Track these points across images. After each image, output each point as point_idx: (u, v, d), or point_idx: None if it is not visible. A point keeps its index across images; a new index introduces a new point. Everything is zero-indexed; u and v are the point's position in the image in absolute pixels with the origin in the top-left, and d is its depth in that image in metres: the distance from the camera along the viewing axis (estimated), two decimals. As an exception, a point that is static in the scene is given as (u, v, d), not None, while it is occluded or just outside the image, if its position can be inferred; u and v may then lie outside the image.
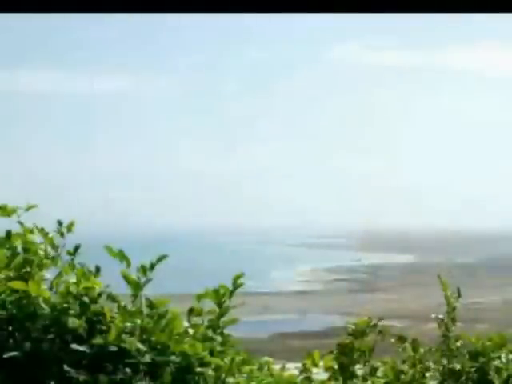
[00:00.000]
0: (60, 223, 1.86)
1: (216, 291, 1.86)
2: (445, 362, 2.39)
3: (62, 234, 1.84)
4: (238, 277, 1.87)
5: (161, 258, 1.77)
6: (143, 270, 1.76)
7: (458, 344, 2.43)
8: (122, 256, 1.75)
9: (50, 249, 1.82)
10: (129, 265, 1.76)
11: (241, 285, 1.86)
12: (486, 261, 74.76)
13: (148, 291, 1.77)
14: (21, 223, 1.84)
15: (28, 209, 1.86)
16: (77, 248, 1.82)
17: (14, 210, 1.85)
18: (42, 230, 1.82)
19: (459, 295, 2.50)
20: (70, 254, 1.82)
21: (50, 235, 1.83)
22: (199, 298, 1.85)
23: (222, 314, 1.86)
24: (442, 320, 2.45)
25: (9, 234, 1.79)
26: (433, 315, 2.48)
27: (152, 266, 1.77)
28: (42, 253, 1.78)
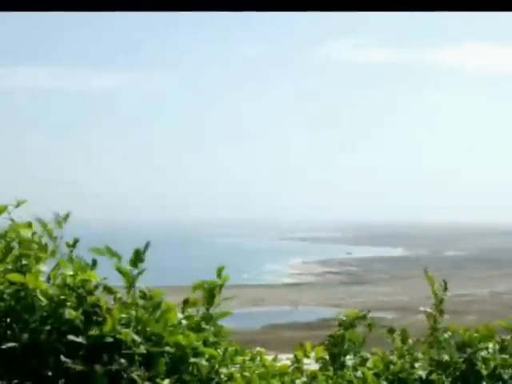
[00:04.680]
0: (56, 214, 1.86)
1: (206, 283, 1.88)
2: (433, 353, 2.44)
3: (59, 224, 1.85)
4: (220, 269, 1.89)
5: (146, 247, 1.79)
6: (133, 262, 1.78)
7: (446, 336, 2.47)
8: (110, 252, 1.77)
9: (48, 240, 1.82)
10: (119, 259, 1.77)
11: (227, 277, 1.89)
12: (473, 254, 75.52)
13: (149, 283, 1.79)
14: (12, 220, 1.84)
15: (18, 205, 1.86)
16: (76, 241, 1.83)
17: (3, 208, 1.84)
18: (41, 222, 1.83)
19: (445, 288, 2.54)
20: (69, 246, 1.83)
21: (49, 226, 1.83)
22: (194, 288, 1.88)
23: (210, 305, 1.88)
24: (430, 313, 2.50)
25: (7, 230, 1.79)
26: (421, 308, 2.53)
27: (140, 258, 1.78)
28: (36, 246, 1.78)
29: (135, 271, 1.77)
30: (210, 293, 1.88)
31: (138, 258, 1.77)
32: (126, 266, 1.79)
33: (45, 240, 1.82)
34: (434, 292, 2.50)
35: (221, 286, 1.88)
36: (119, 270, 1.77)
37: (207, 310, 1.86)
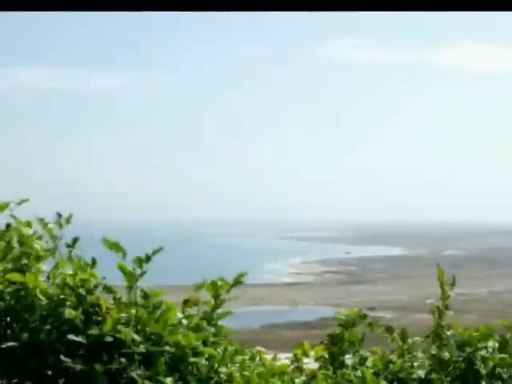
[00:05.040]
0: (59, 215, 1.87)
1: (214, 283, 1.89)
2: (433, 351, 2.44)
3: (60, 225, 1.85)
4: (241, 275, 1.91)
5: (156, 251, 1.80)
6: (139, 261, 1.78)
7: (449, 333, 2.48)
8: (117, 247, 1.77)
9: (48, 240, 1.83)
10: (124, 256, 1.78)
11: (240, 281, 1.90)
12: (473, 254, 75.65)
13: (148, 283, 1.79)
14: (14, 217, 1.85)
15: (20, 203, 1.86)
16: (75, 241, 1.84)
17: (5, 206, 1.85)
18: (41, 221, 1.83)
19: (454, 284, 2.54)
20: (68, 246, 1.84)
21: (49, 226, 1.84)
22: (197, 288, 1.88)
23: (217, 307, 1.89)
24: (437, 306, 2.49)
25: (8, 227, 1.80)
26: (428, 300, 2.52)
27: (148, 258, 1.79)
28: (37, 246, 1.79)
29: (138, 271, 1.77)
30: (216, 292, 1.88)
31: (145, 259, 1.77)
32: (128, 265, 1.79)
33: (45, 239, 1.82)
34: (441, 286, 2.50)
35: (230, 287, 1.89)
36: (122, 269, 1.77)
37: (212, 310, 1.87)
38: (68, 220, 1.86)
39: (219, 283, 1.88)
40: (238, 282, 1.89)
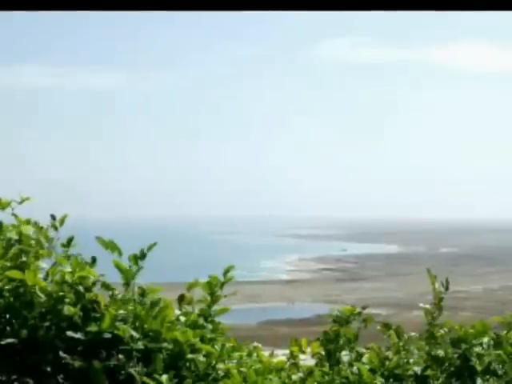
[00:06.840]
0: (53, 217, 1.87)
1: (208, 282, 1.90)
2: (428, 348, 2.46)
3: (55, 228, 1.86)
4: (228, 270, 1.92)
5: (151, 247, 1.80)
6: (134, 259, 1.79)
7: (442, 332, 2.49)
8: (113, 246, 1.78)
9: (44, 242, 1.83)
10: (120, 254, 1.78)
11: (231, 278, 1.91)
12: (469, 251, 75.95)
13: (145, 280, 1.80)
14: (15, 215, 1.85)
15: (21, 202, 1.87)
16: (70, 240, 1.84)
17: (7, 203, 1.85)
18: (35, 224, 1.83)
19: (447, 287, 2.54)
20: (63, 246, 1.84)
21: (44, 228, 1.84)
22: (190, 287, 1.89)
23: (213, 303, 1.90)
24: (429, 309, 2.51)
25: (0, 225, 1.80)
26: (420, 304, 2.54)
27: (143, 255, 1.80)
28: (35, 243, 1.79)
29: (134, 268, 1.78)
30: (211, 290, 1.89)
31: (140, 255, 1.78)
32: (124, 262, 1.80)
33: (42, 240, 1.82)
34: (434, 290, 2.51)
35: (223, 284, 1.90)
36: (118, 267, 1.78)
37: (208, 306, 1.88)
38: (62, 221, 1.86)
39: (213, 282, 1.89)
40: (228, 278, 1.91)
